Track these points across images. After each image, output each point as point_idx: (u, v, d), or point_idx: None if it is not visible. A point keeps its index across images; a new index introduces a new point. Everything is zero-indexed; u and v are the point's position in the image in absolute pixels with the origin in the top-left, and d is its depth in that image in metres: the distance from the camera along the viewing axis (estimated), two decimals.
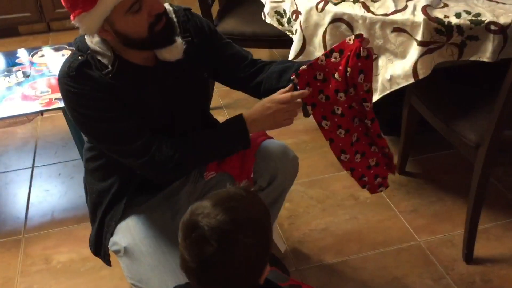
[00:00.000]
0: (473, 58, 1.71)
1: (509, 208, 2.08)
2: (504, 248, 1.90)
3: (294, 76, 1.30)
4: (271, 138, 1.61)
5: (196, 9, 1.48)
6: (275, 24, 2.06)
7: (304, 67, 1.30)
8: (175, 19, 1.32)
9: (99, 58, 1.23)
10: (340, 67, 1.26)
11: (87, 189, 1.49)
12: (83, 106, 1.22)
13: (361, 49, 1.23)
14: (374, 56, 1.80)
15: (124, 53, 1.25)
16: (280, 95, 1.31)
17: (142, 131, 1.27)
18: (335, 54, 1.27)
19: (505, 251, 1.89)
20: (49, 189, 2.32)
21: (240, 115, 1.34)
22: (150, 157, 1.26)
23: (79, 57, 1.23)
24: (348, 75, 1.25)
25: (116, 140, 1.26)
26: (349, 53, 1.24)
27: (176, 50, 1.26)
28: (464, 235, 1.85)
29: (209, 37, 1.41)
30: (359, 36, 1.24)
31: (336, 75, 1.28)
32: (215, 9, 2.59)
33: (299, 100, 1.30)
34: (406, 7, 1.75)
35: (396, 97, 2.02)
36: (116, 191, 1.39)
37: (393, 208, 2.10)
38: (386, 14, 1.73)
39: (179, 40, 1.26)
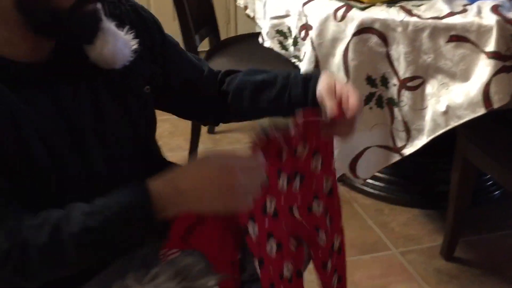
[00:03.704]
0: None
1: None
2: None
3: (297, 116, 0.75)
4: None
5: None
6: (277, 48, 1.53)
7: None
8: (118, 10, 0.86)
9: None
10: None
11: None
12: None
13: None
14: (419, 80, 1.24)
15: None
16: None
17: None
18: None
19: None
20: None
21: (143, 185, 0.70)
22: None
23: None
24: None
25: None
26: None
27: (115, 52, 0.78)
28: None
29: (160, 40, 0.94)
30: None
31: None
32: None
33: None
34: (465, 10, 1.22)
35: (435, 152, 1.46)
36: None
37: None
38: (438, 18, 1.19)
39: (125, 36, 0.81)
